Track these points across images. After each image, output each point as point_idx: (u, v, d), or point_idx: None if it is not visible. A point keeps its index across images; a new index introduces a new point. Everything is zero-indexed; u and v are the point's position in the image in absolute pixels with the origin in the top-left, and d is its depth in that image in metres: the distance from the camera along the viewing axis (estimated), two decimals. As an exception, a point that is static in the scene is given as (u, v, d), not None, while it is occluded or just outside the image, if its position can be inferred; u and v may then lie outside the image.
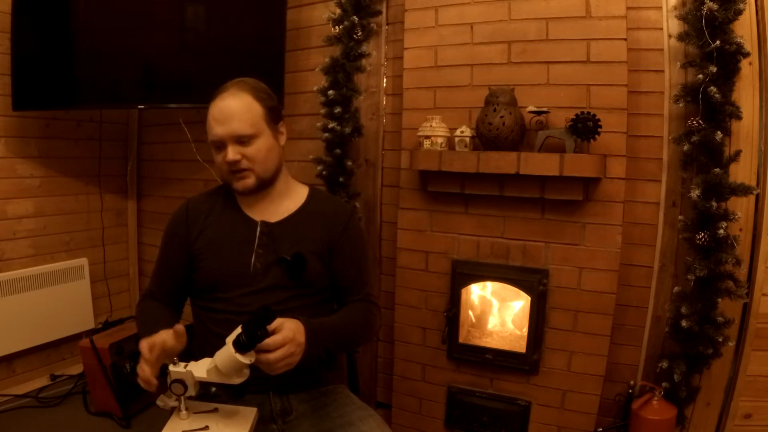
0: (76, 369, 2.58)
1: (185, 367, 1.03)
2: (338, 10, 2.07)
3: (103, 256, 2.82)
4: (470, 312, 2.01)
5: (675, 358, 1.71)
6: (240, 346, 0.97)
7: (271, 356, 0.99)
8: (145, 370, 1.02)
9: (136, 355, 2.40)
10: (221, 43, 2.22)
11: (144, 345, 1.03)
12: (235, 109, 1.19)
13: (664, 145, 1.75)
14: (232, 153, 1.19)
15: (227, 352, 0.98)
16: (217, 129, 1.19)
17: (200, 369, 1.02)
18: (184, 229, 1.30)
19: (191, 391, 1.03)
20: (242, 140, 1.20)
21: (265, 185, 1.26)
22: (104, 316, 2.74)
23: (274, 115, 1.26)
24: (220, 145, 1.21)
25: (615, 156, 1.68)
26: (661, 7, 1.73)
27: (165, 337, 1.04)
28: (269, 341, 0.99)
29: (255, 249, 1.25)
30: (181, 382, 1.02)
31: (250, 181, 1.23)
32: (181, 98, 2.26)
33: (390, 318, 2.07)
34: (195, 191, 1.57)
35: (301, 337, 1.04)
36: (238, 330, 0.98)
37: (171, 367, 1.02)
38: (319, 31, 2.22)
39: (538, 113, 1.70)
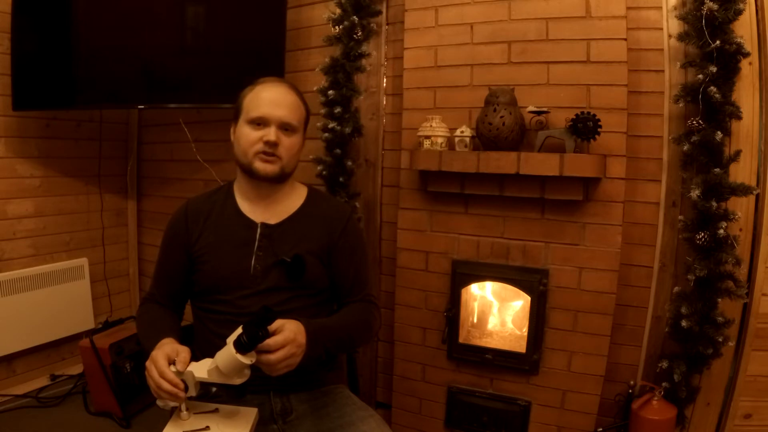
0: (76, 369, 2.59)
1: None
2: (338, 10, 2.07)
3: (103, 256, 2.82)
4: (470, 312, 2.01)
5: (675, 358, 1.71)
6: (241, 347, 0.97)
7: (272, 357, 1.00)
8: (171, 381, 1.01)
9: (136, 355, 2.40)
10: (221, 43, 2.22)
11: (161, 359, 1.02)
12: (290, 100, 1.26)
13: (664, 145, 1.75)
14: (274, 134, 1.22)
15: (228, 353, 0.98)
16: (269, 109, 1.22)
17: (201, 369, 1.02)
18: (183, 231, 1.30)
19: (192, 392, 1.03)
20: (287, 128, 1.24)
21: (282, 179, 1.28)
22: (104, 316, 2.74)
23: (308, 122, 1.34)
24: (264, 123, 1.22)
25: (615, 156, 1.68)
26: (661, 7, 1.73)
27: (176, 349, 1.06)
28: (270, 342, 0.99)
29: (255, 251, 1.25)
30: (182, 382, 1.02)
31: (275, 167, 1.24)
32: (181, 98, 2.26)
33: (390, 318, 2.07)
34: (195, 191, 1.57)
35: (302, 338, 1.04)
36: (239, 330, 0.98)
37: (172, 368, 1.02)
38: (319, 31, 2.22)
39: (538, 113, 1.70)
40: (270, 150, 1.22)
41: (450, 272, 1.90)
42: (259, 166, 1.23)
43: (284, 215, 1.30)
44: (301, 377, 1.20)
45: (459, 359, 1.93)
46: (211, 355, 1.03)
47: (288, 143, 1.24)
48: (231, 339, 0.99)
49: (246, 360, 0.98)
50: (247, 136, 1.23)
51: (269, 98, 1.24)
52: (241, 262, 1.24)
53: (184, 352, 1.04)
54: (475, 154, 1.72)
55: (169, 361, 1.02)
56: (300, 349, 1.04)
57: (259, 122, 1.23)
